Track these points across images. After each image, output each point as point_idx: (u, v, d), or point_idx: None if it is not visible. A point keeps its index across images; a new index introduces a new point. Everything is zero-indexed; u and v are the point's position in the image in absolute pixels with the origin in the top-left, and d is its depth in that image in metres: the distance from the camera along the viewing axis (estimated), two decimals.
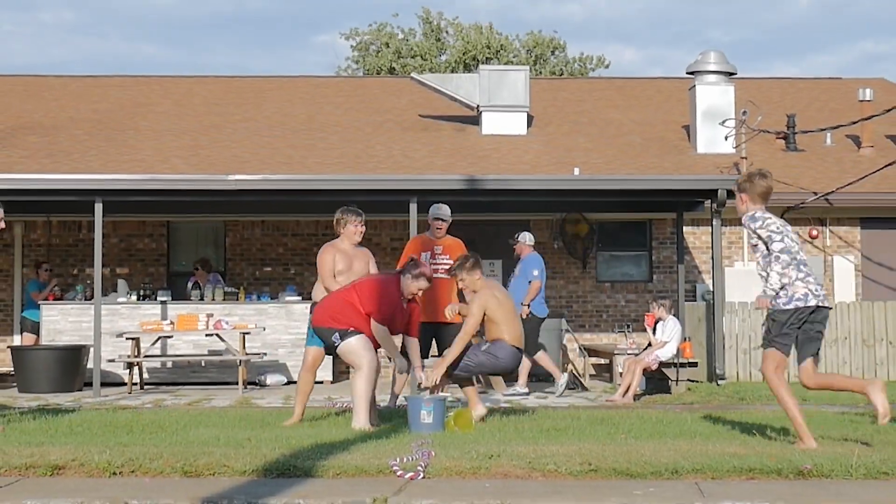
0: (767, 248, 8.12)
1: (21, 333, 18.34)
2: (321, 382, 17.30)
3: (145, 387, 16.60)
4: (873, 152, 21.21)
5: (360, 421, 9.39)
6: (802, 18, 74.32)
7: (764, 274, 8.19)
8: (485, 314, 10.02)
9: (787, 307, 8.04)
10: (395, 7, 71.51)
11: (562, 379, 14.58)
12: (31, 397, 14.78)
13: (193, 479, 6.70)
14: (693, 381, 15.42)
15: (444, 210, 12.08)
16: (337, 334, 9.52)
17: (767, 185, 8.27)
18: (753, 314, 17.27)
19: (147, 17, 73.83)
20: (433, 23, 43.99)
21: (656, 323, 14.72)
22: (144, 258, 19.56)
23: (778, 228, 8.12)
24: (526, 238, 15.28)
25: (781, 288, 8.04)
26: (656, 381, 15.01)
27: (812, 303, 7.99)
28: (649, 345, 15.02)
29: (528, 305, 14.58)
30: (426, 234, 12.33)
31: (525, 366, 14.62)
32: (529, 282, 14.74)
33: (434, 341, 12.06)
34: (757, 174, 8.34)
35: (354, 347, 9.51)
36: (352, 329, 9.54)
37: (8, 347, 17.73)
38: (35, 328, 17.67)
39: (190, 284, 17.94)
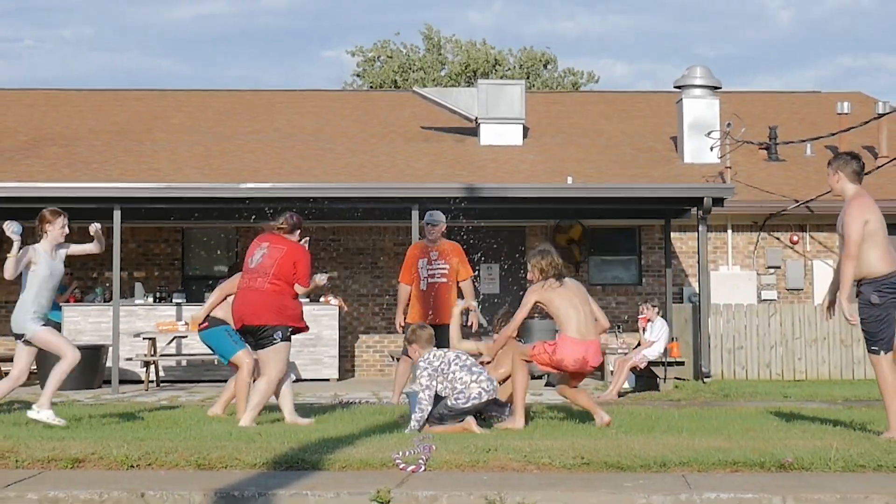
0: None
1: None
2: (327, 380, 17.33)
3: (161, 384, 16.62)
4: None
5: (247, 420, 9.26)
6: (783, 35, 74.43)
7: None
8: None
9: (465, 406, 8.80)
10: (397, 23, 71.73)
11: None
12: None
13: (207, 472, 6.70)
14: (680, 378, 15.43)
15: (435, 216, 12.02)
16: (280, 332, 9.30)
17: (429, 334, 9.28)
18: (737, 315, 17.30)
19: (163, 34, 73.95)
20: (434, 39, 43.98)
21: (647, 322, 14.79)
22: (160, 262, 19.58)
23: (436, 364, 8.93)
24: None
25: (457, 391, 8.82)
26: (645, 379, 15.01)
27: (484, 398, 8.87)
28: (639, 344, 15.06)
29: None
30: (424, 240, 12.31)
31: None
32: None
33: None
34: (417, 327, 9.47)
35: (285, 352, 9.42)
36: (291, 328, 9.42)
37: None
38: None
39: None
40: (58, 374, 9.28)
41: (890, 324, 8.09)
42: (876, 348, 8.08)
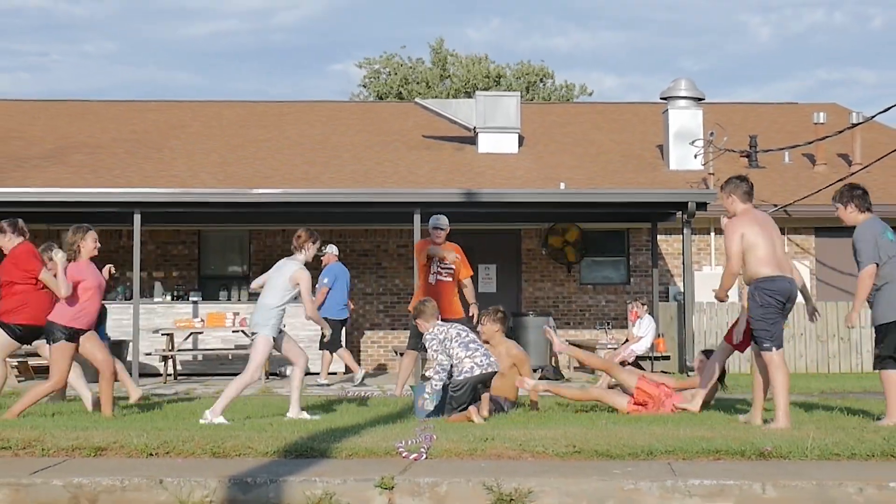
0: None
1: None
2: (335, 374, 17.31)
3: (178, 377, 16.59)
4: (826, 169, 21.23)
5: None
6: (763, 50, 74.42)
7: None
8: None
9: (459, 378, 9.00)
10: (399, 40, 71.73)
11: (359, 373, 14.95)
12: None
13: (221, 460, 6.70)
14: (666, 372, 15.42)
15: (442, 220, 12.08)
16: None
17: (433, 307, 9.56)
18: (720, 313, 17.31)
19: (179, 49, 73.94)
20: (441, 53, 43.82)
21: (636, 319, 14.83)
22: (178, 263, 19.58)
23: (440, 338, 9.20)
24: (331, 249, 15.63)
25: (453, 367, 9.12)
26: None
27: (476, 372, 8.97)
28: (627, 340, 15.06)
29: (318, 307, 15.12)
30: (429, 239, 12.32)
31: (326, 360, 15.21)
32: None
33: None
34: (421, 302, 9.72)
35: None
36: None
37: None
38: None
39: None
40: (232, 388, 9.12)
41: (776, 322, 8.25)
42: (767, 345, 8.26)
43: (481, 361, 9.05)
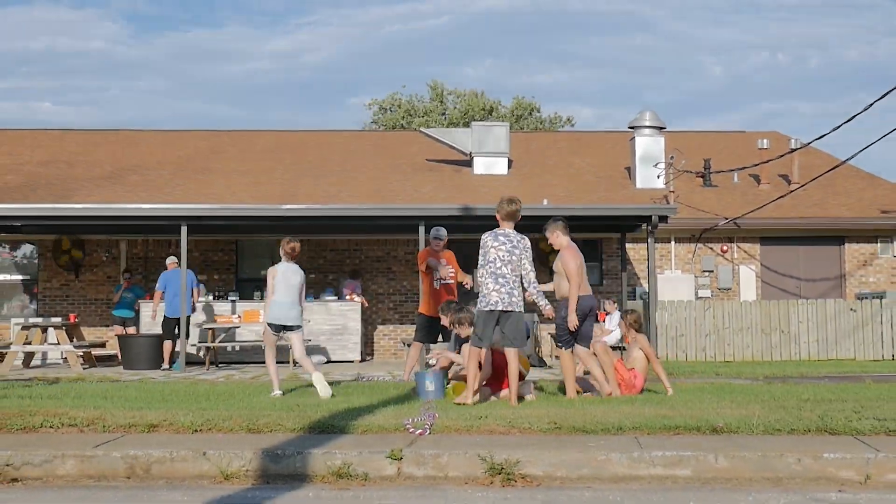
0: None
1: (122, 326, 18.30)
2: (351, 361, 17.31)
3: (219, 365, 16.58)
4: (770, 188, 21.25)
5: None
6: (716, 86, 74.50)
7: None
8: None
9: (485, 309, 8.47)
10: (406, 77, 71.77)
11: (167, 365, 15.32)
12: (133, 373, 14.79)
13: (256, 435, 6.70)
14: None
15: (442, 231, 12.03)
16: None
17: (514, 210, 8.65)
18: (679, 310, 17.31)
19: (220, 85, 73.98)
20: (438, 90, 43.90)
21: (606, 315, 14.83)
22: (219, 268, 19.58)
23: (485, 246, 8.50)
24: (169, 260, 16.01)
25: (482, 294, 8.49)
26: None
27: (499, 308, 8.41)
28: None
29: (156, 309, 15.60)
30: (430, 248, 12.28)
31: (167, 348, 15.41)
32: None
33: (441, 334, 11.98)
34: (506, 200, 8.68)
35: None
36: None
37: (115, 335, 17.71)
38: (123, 322, 17.73)
39: (345, 291, 18.12)
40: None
41: (571, 330, 8.87)
42: (560, 345, 9.05)
43: (505, 299, 8.38)
